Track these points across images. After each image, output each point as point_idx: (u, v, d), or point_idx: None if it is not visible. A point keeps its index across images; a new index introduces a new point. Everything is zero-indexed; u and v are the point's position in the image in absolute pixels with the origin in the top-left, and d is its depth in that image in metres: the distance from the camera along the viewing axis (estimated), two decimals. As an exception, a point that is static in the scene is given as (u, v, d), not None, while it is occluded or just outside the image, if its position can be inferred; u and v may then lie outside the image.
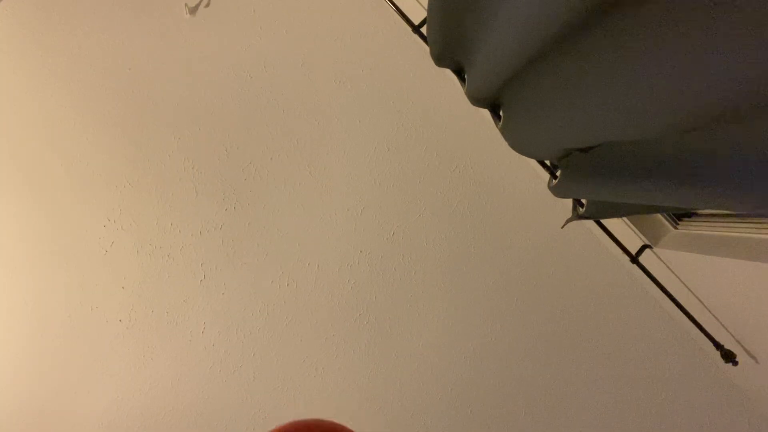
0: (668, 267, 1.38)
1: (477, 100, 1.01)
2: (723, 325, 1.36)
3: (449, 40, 0.91)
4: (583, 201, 1.05)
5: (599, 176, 0.78)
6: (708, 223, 1.22)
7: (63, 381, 1.51)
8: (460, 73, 1.04)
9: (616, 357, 1.53)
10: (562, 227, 1.27)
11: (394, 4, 1.25)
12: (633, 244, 1.32)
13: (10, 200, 1.46)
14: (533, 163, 1.40)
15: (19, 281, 1.48)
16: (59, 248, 1.47)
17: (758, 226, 1.04)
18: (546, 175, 1.15)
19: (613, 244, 1.30)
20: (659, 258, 1.38)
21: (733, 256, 1.09)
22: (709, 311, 1.36)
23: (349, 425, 0.66)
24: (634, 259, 1.29)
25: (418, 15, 1.22)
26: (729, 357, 1.29)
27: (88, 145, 1.46)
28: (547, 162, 1.15)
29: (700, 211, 1.27)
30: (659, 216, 1.37)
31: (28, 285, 1.48)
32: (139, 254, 1.49)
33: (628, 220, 1.38)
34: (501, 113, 0.99)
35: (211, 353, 1.52)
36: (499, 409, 1.55)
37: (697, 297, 1.36)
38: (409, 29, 1.23)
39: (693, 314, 1.30)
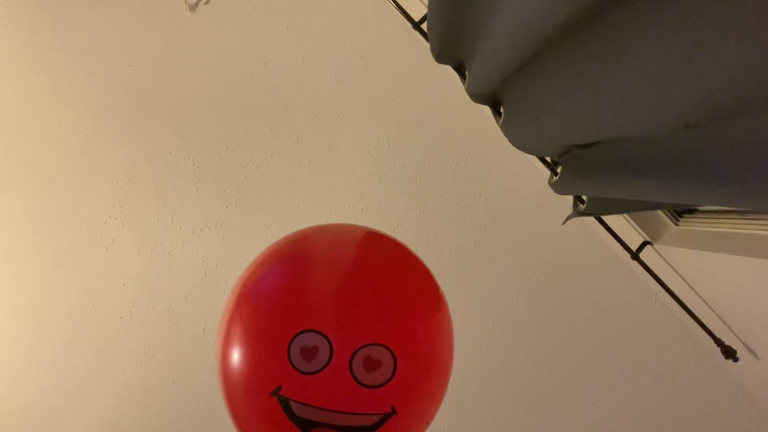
0: (669, 263, 1.38)
1: (477, 97, 1.01)
2: (723, 322, 1.36)
3: (450, 37, 0.91)
4: (584, 197, 1.05)
5: (600, 172, 0.78)
6: (708, 220, 1.22)
7: (64, 378, 1.51)
8: (460, 70, 1.04)
9: (616, 354, 1.53)
10: (563, 223, 1.27)
11: (394, 1, 1.25)
12: (634, 241, 1.32)
13: (11, 198, 1.46)
14: (534, 159, 1.39)
15: (20, 279, 1.48)
16: (60, 246, 1.48)
17: (759, 222, 1.03)
18: (546, 172, 1.15)
19: (614, 241, 1.30)
20: (660, 254, 1.38)
21: (733, 252, 1.09)
22: (710, 308, 1.36)
23: None
24: (635, 255, 1.29)
25: (418, 11, 1.22)
26: (729, 353, 1.29)
27: (88, 142, 1.46)
28: (548, 158, 1.15)
29: (700, 208, 1.27)
30: (660, 212, 1.37)
31: (29, 282, 1.48)
32: (139, 251, 1.49)
33: (629, 216, 1.38)
34: (501, 110, 0.99)
35: (212, 350, 1.52)
36: (500, 405, 1.56)
37: (697, 293, 1.36)
38: (410, 26, 1.23)
39: (693, 310, 1.30)
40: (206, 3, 1.46)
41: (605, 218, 1.30)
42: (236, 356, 0.46)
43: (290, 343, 0.42)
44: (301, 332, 0.42)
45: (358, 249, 0.52)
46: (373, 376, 0.42)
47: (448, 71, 1.13)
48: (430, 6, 0.87)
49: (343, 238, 0.53)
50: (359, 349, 0.42)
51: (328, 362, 0.42)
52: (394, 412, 0.43)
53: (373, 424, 0.43)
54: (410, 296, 0.49)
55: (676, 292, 1.29)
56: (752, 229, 1.05)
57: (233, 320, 0.48)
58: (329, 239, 0.52)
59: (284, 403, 0.42)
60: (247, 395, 0.45)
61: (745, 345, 1.34)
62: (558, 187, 1.01)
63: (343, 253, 0.50)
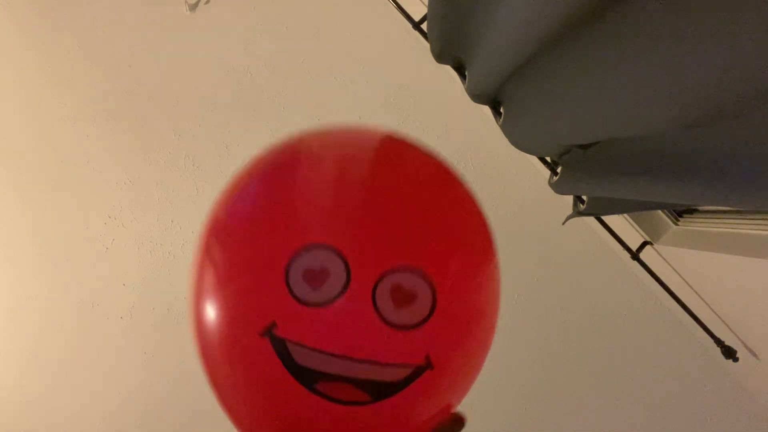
0: (669, 263, 1.38)
1: (477, 97, 1.01)
2: (724, 322, 1.36)
3: (450, 37, 0.91)
4: (584, 197, 1.05)
5: (599, 172, 0.78)
6: (709, 220, 1.22)
7: (64, 378, 1.51)
8: (460, 70, 1.04)
9: (616, 353, 1.53)
10: (563, 224, 1.27)
11: (394, 1, 1.25)
12: (634, 241, 1.32)
13: (11, 198, 1.46)
14: (534, 159, 1.39)
15: (20, 279, 1.48)
16: (60, 246, 1.48)
17: (759, 222, 1.03)
18: (546, 172, 1.15)
19: (614, 241, 1.30)
20: (660, 254, 1.38)
21: (733, 252, 1.09)
22: (710, 308, 1.36)
23: None
24: (635, 255, 1.29)
25: (418, 11, 1.22)
26: (729, 353, 1.29)
27: (88, 142, 1.46)
28: (548, 158, 1.15)
29: (700, 208, 1.27)
30: (660, 212, 1.37)
31: (29, 283, 1.48)
32: (140, 251, 1.49)
33: (629, 216, 1.38)
34: (501, 110, 0.99)
35: (212, 350, 1.52)
36: (500, 404, 1.55)
37: (697, 293, 1.36)
38: (410, 26, 1.23)
39: (693, 311, 1.30)
40: (206, 3, 1.46)
41: (605, 218, 1.30)
42: (212, 291, 0.31)
43: (289, 264, 0.29)
44: (305, 247, 0.30)
45: (384, 153, 0.37)
46: (405, 313, 0.30)
47: (448, 71, 1.12)
48: (430, 6, 0.87)
49: (357, 140, 0.37)
50: (386, 273, 0.30)
51: (343, 290, 0.29)
52: (429, 364, 0.31)
53: (401, 379, 0.30)
54: (453, 219, 0.34)
55: (676, 292, 1.29)
56: (752, 229, 1.05)
57: (207, 249, 0.33)
58: (337, 141, 0.37)
59: (279, 346, 0.29)
60: (226, 339, 0.31)
61: (745, 345, 1.34)
62: (558, 187, 1.01)
63: (362, 156, 0.36)
